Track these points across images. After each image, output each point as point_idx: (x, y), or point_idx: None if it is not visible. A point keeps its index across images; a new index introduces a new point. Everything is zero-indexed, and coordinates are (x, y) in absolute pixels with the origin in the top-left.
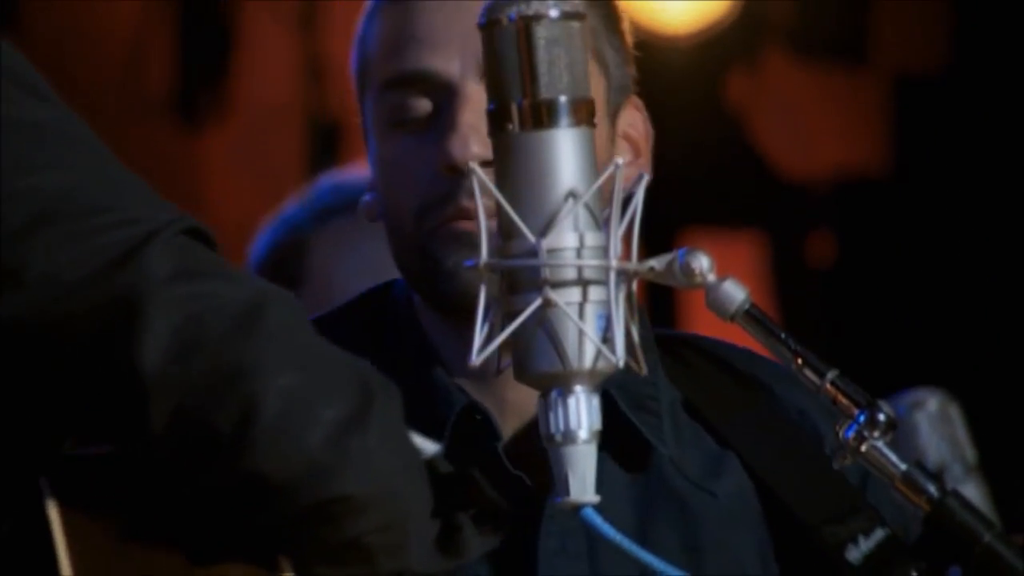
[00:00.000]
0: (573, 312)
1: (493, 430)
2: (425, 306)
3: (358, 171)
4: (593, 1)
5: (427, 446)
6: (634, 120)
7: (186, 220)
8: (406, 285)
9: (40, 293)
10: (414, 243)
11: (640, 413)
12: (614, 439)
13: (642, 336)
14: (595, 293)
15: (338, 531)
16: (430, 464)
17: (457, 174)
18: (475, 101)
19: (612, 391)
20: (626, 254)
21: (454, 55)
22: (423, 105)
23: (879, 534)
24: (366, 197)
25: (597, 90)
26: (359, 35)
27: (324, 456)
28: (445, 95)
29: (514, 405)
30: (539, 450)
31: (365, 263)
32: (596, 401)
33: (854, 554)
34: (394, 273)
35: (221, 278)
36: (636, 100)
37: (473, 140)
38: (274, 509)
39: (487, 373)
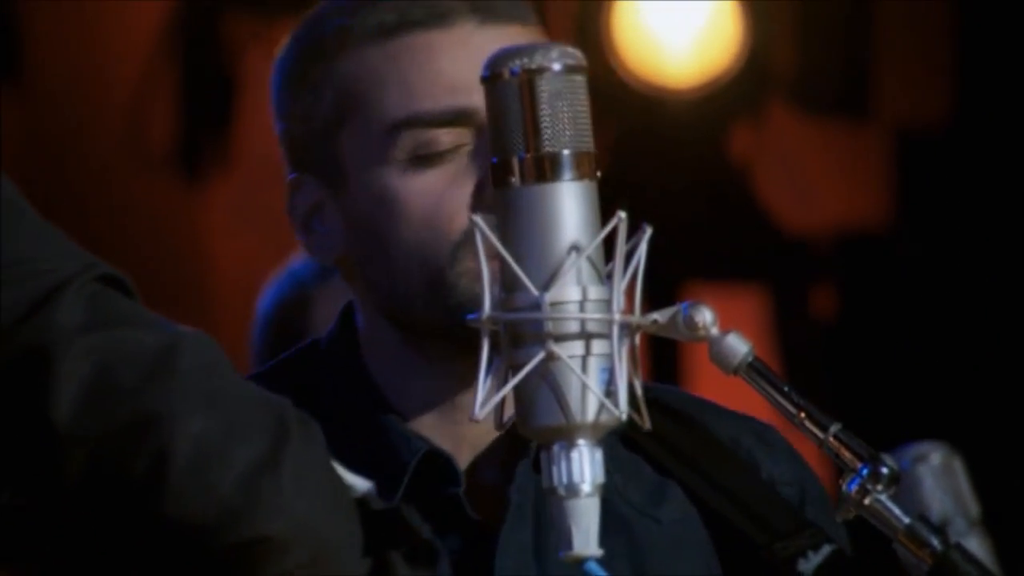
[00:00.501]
0: (576, 365)
1: (454, 473)
2: (392, 349)
3: None
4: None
5: (358, 483)
6: None
7: (99, 268)
8: (341, 336)
9: None
10: (446, 279)
11: None
12: None
13: None
14: (598, 346)
15: (260, 571)
16: (361, 501)
17: None
18: None
19: None
20: (629, 307)
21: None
22: (455, 139)
23: (827, 549)
24: (306, 239)
25: None
26: (316, 73)
27: (238, 498)
28: (482, 129)
29: (470, 440)
30: (493, 483)
31: None
32: (599, 455)
33: (805, 567)
34: None
35: (132, 325)
36: None
37: None
38: (194, 553)
39: (441, 412)
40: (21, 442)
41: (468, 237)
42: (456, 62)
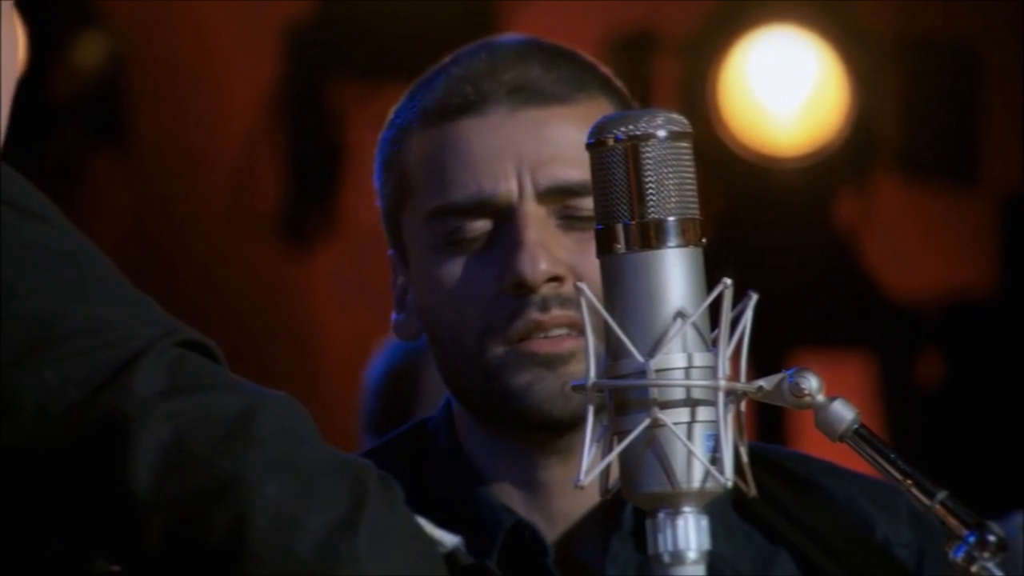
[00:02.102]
0: (682, 432)
1: (542, 545)
2: (473, 427)
3: None
4: None
5: (447, 538)
6: None
7: (181, 333)
8: (442, 414)
9: (34, 422)
10: (477, 364)
11: None
12: None
13: None
14: (704, 413)
15: None
16: (450, 557)
17: (524, 291)
18: (536, 219)
19: None
20: (735, 374)
21: (510, 176)
22: (481, 226)
23: None
24: (395, 316)
25: None
26: (389, 153)
27: (316, 563)
28: (505, 216)
29: (562, 514)
30: (585, 557)
31: None
32: (705, 522)
33: None
34: None
35: (212, 390)
36: None
37: (541, 257)
38: None
39: (527, 487)
40: (102, 508)
41: (495, 320)
42: (485, 150)
